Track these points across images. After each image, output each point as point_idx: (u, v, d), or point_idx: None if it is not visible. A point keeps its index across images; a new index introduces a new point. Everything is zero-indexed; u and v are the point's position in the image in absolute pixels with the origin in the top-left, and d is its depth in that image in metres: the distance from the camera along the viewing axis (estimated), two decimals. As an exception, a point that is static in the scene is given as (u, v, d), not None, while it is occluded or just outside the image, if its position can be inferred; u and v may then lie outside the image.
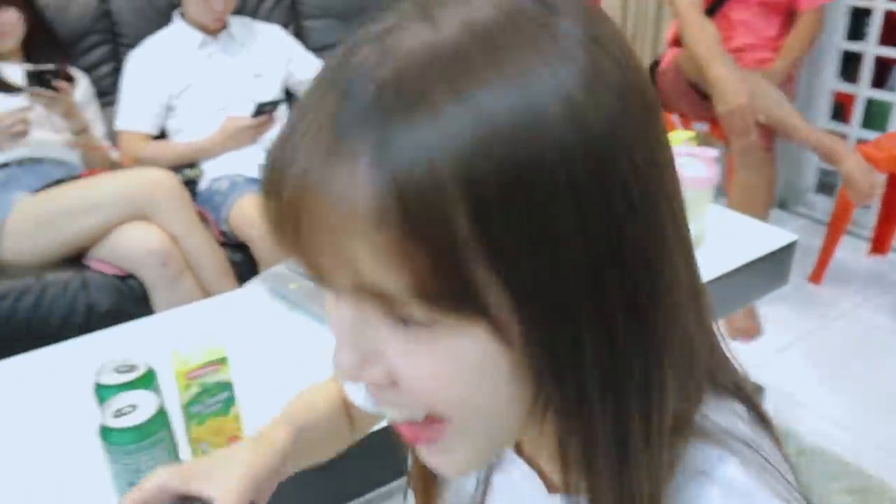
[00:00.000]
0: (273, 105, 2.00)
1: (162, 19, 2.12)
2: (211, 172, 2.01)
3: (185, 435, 0.89)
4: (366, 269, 0.32)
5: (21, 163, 1.82)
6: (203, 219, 1.83)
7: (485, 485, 0.51)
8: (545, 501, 0.46)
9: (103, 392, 0.87)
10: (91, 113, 2.04)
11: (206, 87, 2.04)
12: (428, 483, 0.55)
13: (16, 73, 1.85)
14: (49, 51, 1.96)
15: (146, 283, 1.67)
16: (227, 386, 0.89)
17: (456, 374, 0.35)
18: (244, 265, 1.80)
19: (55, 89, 1.78)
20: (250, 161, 1.97)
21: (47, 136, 1.87)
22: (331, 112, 0.32)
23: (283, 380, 0.85)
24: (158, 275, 1.64)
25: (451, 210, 0.30)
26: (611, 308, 0.34)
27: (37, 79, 1.77)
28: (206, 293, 1.71)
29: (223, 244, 1.82)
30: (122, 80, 2.05)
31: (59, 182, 1.77)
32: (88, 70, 2.11)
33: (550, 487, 0.46)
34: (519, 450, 0.49)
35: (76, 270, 1.70)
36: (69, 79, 1.93)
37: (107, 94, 2.12)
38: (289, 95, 2.23)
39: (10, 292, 1.62)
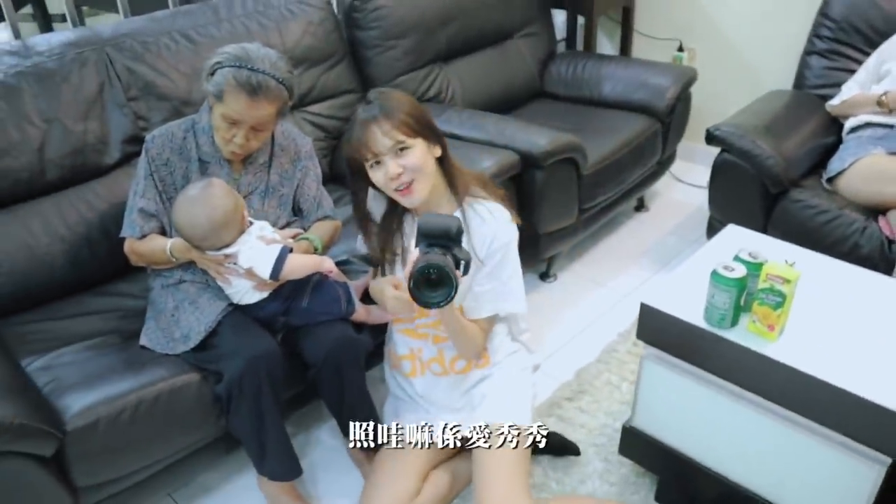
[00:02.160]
0: None
1: None
2: None
3: (748, 302, 1.52)
4: (404, 138, 1.57)
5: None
6: None
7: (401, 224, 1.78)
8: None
9: (737, 258, 1.55)
10: None
11: None
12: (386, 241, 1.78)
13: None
14: None
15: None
16: (782, 295, 1.46)
17: (420, 157, 1.60)
18: None
19: None
20: None
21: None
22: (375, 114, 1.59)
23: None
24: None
25: (412, 122, 1.59)
26: (443, 142, 1.69)
27: None
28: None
29: None
30: None
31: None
32: None
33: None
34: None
35: (867, 219, 2.25)
36: None
37: None
38: None
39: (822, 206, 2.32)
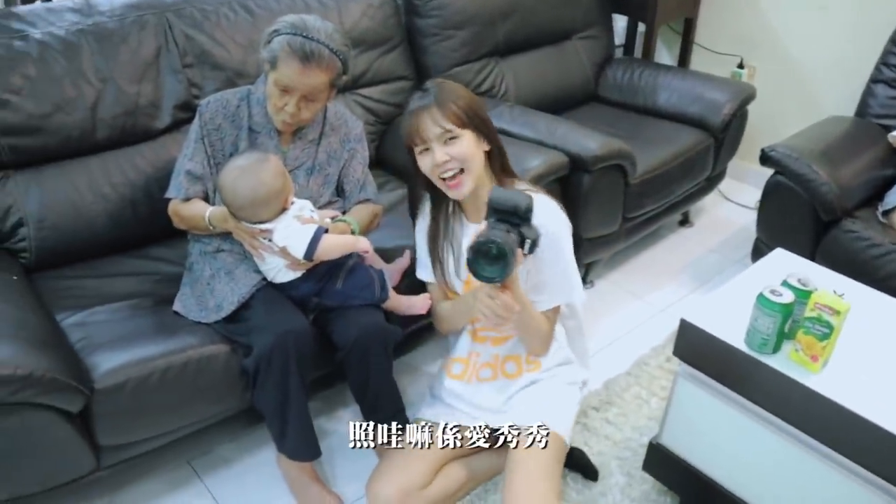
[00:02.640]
0: None
1: None
2: None
3: (792, 330, 1.48)
4: (452, 127, 1.58)
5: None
6: None
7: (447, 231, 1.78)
8: (470, 225, 1.75)
9: (785, 284, 1.51)
10: None
11: None
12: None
13: None
14: None
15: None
16: (829, 326, 1.41)
17: (468, 148, 1.60)
18: None
19: None
20: None
21: None
22: (427, 102, 1.61)
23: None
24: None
25: (462, 114, 1.60)
26: (494, 138, 1.70)
27: None
28: None
29: None
30: None
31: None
32: None
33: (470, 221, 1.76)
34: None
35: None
36: None
37: None
38: None
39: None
